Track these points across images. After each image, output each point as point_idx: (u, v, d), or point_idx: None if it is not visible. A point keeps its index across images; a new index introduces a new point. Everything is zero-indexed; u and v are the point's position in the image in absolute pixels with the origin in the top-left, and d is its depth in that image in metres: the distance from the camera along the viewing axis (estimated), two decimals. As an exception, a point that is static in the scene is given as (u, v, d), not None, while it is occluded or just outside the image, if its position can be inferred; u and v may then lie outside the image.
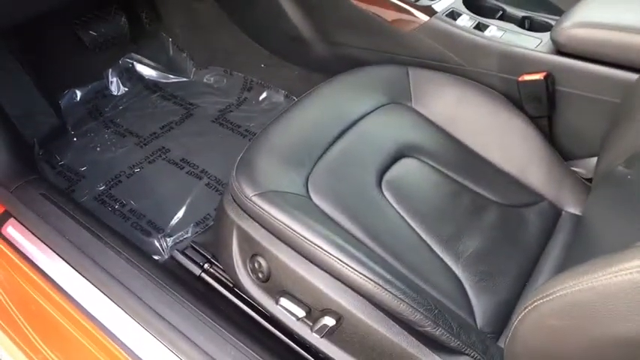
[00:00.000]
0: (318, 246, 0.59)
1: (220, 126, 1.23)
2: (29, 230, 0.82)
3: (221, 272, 0.81)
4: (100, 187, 1.06)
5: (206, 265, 0.82)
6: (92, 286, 0.73)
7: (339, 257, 0.58)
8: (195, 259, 0.83)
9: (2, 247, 0.83)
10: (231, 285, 0.79)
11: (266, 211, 0.63)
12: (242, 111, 1.27)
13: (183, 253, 0.84)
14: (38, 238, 0.81)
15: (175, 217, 1.00)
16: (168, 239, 0.97)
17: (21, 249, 0.80)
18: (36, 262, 0.78)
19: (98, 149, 1.16)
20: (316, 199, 0.68)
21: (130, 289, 0.72)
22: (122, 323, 0.68)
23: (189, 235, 0.97)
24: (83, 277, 0.74)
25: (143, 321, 0.68)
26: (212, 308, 0.70)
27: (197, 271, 0.81)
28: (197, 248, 0.84)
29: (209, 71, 1.37)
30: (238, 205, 0.67)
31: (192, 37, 1.39)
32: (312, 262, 0.60)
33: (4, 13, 0.93)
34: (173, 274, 0.76)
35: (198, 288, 0.80)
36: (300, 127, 0.78)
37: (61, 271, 0.76)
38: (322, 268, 0.59)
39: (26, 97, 1.13)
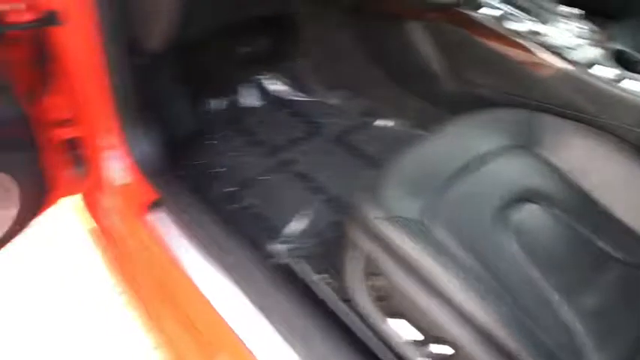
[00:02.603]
0: (440, 276, 0.63)
1: (341, 146, 1.31)
2: (174, 218, 0.95)
3: (330, 283, 0.87)
4: (231, 188, 1.18)
5: (318, 276, 0.89)
6: (219, 274, 0.83)
7: (461, 289, 0.61)
8: (307, 267, 0.91)
9: (150, 229, 0.97)
10: (340, 297, 0.85)
11: (390, 236, 0.68)
12: (362, 134, 1.34)
13: (297, 260, 0.92)
14: (180, 227, 0.93)
15: (293, 226, 1.08)
16: (284, 245, 1.05)
17: (165, 233, 0.93)
18: (175, 246, 0.90)
19: (230, 155, 1.29)
20: (438, 230, 0.72)
21: (249, 281, 0.81)
22: (236, 306, 0.77)
23: (303, 244, 1.04)
24: (212, 266, 0.85)
25: (258, 309, 0.76)
26: (319, 315, 0.77)
27: (309, 278, 0.89)
28: (310, 257, 0.92)
29: (335, 93, 1.47)
30: (363, 225, 0.73)
31: (324, 60, 1.50)
32: (432, 290, 0.64)
33: (194, 26, 1.07)
34: (288, 278, 0.84)
35: (308, 295, 0.87)
36: (428, 159, 0.82)
37: (193, 257, 0.88)
38: (442, 298, 0.63)
39: (176, 102, 1.29)
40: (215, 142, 1.33)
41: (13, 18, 0.82)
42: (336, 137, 1.34)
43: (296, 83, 1.52)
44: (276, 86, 1.51)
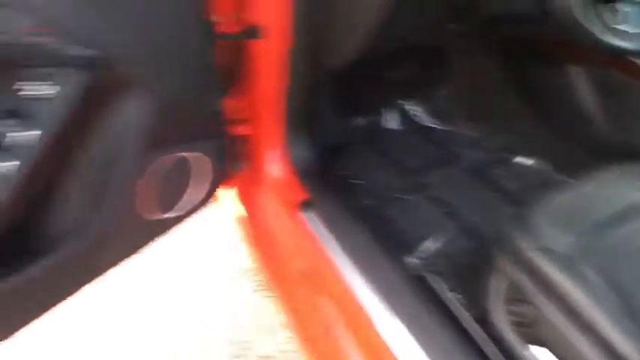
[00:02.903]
0: (591, 310, 0.64)
1: (478, 178, 1.34)
2: (322, 219, 1.05)
3: (463, 303, 0.91)
4: (369, 201, 1.26)
5: (452, 293, 0.93)
6: (361, 274, 0.91)
7: (612, 327, 0.62)
8: (442, 284, 0.95)
9: (300, 225, 1.07)
10: (473, 317, 0.88)
11: (540, 265, 0.71)
12: (501, 169, 1.35)
13: (432, 275, 0.97)
14: (327, 227, 1.03)
15: (427, 245, 1.13)
16: (419, 260, 1.10)
17: (314, 231, 1.04)
18: (324, 245, 1.00)
19: (369, 170, 1.38)
20: (589, 269, 0.73)
21: (389, 286, 0.87)
22: (376, 306, 0.84)
23: (437, 262, 1.08)
24: (355, 266, 0.93)
25: (394, 313, 0.82)
26: (455, 330, 0.81)
27: (444, 295, 0.93)
28: (444, 275, 0.96)
29: (476, 125, 1.50)
30: (512, 253, 0.76)
31: (468, 91, 1.54)
32: (581, 323, 0.65)
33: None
34: (424, 290, 0.89)
35: (443, 310, 0.91)
36: (582, 200, 0.83)
37: (340, 257, 0.97)
38: (591, 332, 0.64)
39: (330, 115, 1.41)
40: (356, 156, 1.43)
41: (223, 28, 0.98)
42: (474, 168, 1.37)
43: (437, 111, 1.57)
44: (417, 112, 1.58)
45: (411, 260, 1.07)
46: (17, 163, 0.66)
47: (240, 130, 1.18)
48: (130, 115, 0.79)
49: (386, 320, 0.84)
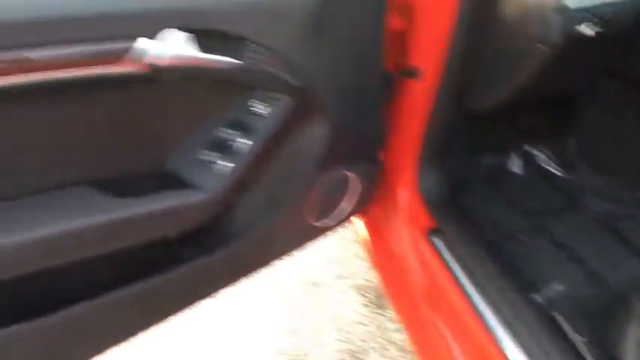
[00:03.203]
0: None
1: (605, 228, 1.35)
2: (449, 247, 1.13)
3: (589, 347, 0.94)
4: (493, 235, 1.32)
5: (576, 335, 0.97)
6: (488, 305, 0.97)
7: None
8: (567, 325, 0.99)
9: (429, 252, 1.16)
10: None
11: None
12: (629, 222, 1.35)
13: (558, 315, 1.01)
14: (454, 256, 1.11)
15: (551, 285, 1.17)
16: (543, 300, 1.14)
17: (441, 258, 1.12)
18: (451, 272, 1.08)
19: (494, 206, 1.44)
20: None
21: (515, 321, 0.93)
22: (503, 338, 0.90)
23: (562, 304, 1.12)
24: (481, 296, 1.00)
25: (523, 348, 0.87)
26: None
27: (571, 336, 0.97)
28: (569, 317, 1.00)
29: (603, 177, 1.51)
30: None
31: (597, 141, 1.56)
32: None
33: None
34: (550, 329, 0.94)
35: (571, 352, 0.94)
36: None
37: (467, 285, 1.04)
38: None
39: (460, 150, 1.50)
40: (481, 192, 1.50)
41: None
42: (601, 219, 1.38)
43: (563, 159, 1.60)
44: (542, 158, 1.62)
45: (536, 298, 1.12)
46: (232, 165, 0.83)
47: (381, 156, 1.31)
48: (310, 136, 0.94)
49: (514, 353, 0.90)
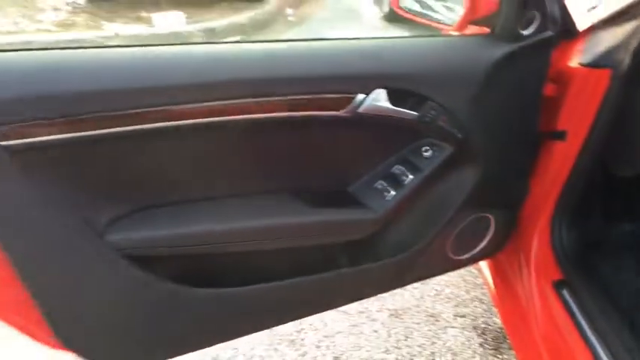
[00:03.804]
0: None
1: None
2: (578, 301, 1.20)
3: None
4: (624, 300, 1.34)
5: None
6: None
7: None
8: None
9: (555, 303, 1.24)
10: None
11: None
12: None
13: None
14: (583, 310, 1.18)
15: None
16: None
17: (569, 311, 1.19)
18: (579, 326, 1.15)
19: (626, 272, 1.45)
20: None
21: None
22: None
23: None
24: (604, 351, 1.06)
25: None
26: None
27: None
28: None
29: None
30: None
31: None
32: None
33: None
34: None
35: None
36: None
37: (594, 342, 1.10)
38: None
39: (595, 211, 1.55)
40: (613, 255, 1.52)
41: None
42: None
43: None
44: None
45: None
46: (394, 193, 1.03)
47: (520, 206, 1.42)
48: (461, 179, 1.11)
49: None
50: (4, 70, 0.72)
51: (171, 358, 1.07)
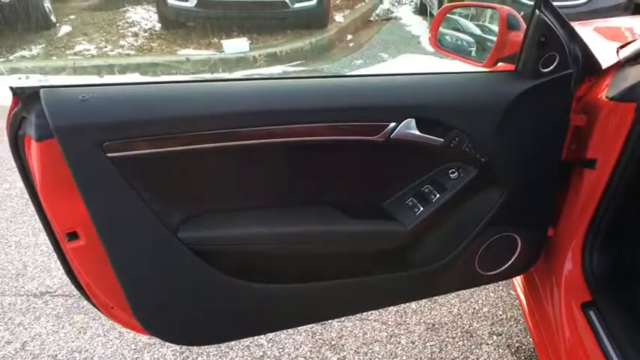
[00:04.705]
0: None
1: None
2: (603, 323, 1.27)
3: None
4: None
5: None
6: None
7: None
8: None
9: (581, 323, 1.31)
10: None
11: None
12: None
13: None
14: (608, 332, 1.24)
15: None
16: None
17: (594, 332, 1.26)
18: (604, 347, 1.21)
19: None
20: None
21: None
22: None
23: None
24: None
25: None
26: None
27: None
28: None
29: None
30: None
31: None
32: None
33: None
34: None
35: None
36: None
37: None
38: None
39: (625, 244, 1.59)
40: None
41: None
42: None
43: None
44: None
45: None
46: (423, 209, 1.17)
47: (550, 229, 1.50)
48: (485, 200, 1.22)
49: None
50: (111, 100, 0.94)
51: (227, 341, 1.27)
